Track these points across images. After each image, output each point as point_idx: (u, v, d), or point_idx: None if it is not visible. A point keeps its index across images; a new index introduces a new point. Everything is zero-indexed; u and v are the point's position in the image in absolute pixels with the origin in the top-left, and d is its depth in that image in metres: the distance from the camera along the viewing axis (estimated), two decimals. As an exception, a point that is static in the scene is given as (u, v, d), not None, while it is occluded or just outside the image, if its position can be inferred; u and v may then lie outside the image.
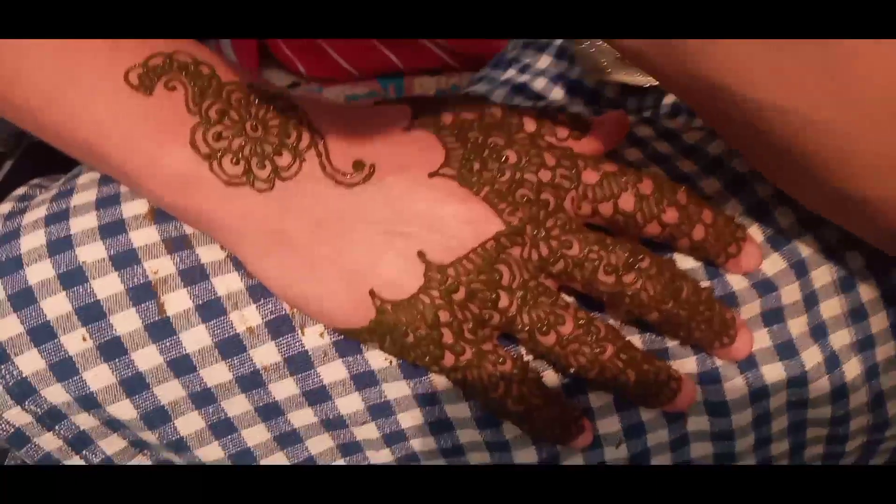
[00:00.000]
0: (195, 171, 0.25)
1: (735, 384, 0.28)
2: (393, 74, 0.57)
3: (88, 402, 0.27)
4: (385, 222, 0.25)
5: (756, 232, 0.28)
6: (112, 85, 0.25)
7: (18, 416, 0.27)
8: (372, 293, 0.25)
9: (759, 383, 0.28)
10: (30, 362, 0.26)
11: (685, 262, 0.28)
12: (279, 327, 0.26)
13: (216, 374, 0.27)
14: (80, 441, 0.28)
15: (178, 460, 0.29)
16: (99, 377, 0.26)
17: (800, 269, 0.28)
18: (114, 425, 0.28)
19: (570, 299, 0.27)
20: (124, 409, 0.27)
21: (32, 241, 0.27)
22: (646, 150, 0.31)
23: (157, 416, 0.27)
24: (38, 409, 0.27)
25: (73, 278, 0.26)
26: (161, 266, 0.26)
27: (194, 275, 0.26)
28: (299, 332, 0.27)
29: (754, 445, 0.29)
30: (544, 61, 0.43)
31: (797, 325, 0.28)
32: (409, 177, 0.25)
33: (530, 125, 0.27)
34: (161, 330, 0.26)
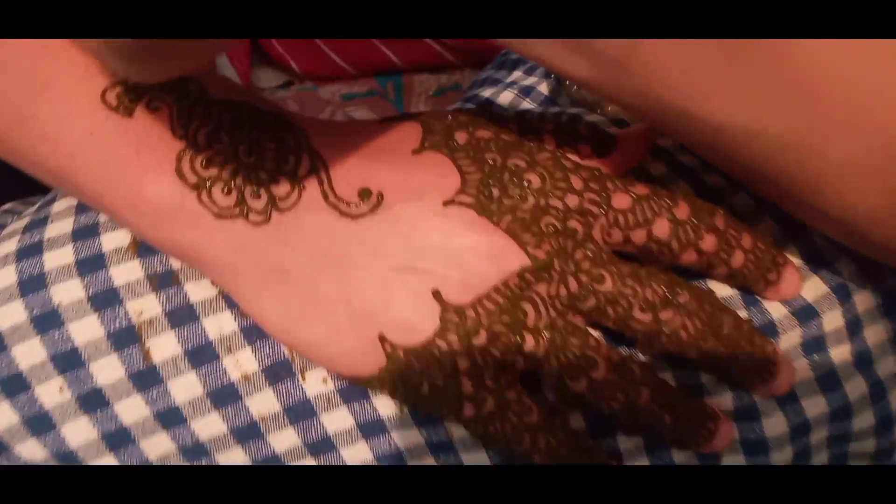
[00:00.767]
0: (181, 203, 0.22)
1: (774, 420, 0.26)
2: (391, 72, 0.55)
3: (67, 459, 0.24)
4: (395, 257, 0.22)
5: (792, 253, 0.26)
6: (88, 105, 0.22)
7: None
8: (382, 337, 0.22)
9: (800, 419, 0.26)
10: (1, 417, 0.24)
11: (719, 290, 0.26)
12: (278, 373, 0.24)
13: (209, 425, 0.24)
14: None
15: None
16: (78, 432, 0.24)
17: (842, 293, 0.26)
18: None
19: (596, 333, 0.25)
20: None
21: (2, 279, 0.24)
22: (669, 162, 0.29)
23: None
24: None
25: (47, 322, 0.24)
26: (145, 306, 0.24)
27: (182, 315, 0.24)
28: (300, 377, 0.24)
29: None
30: None
31: (840, 354, 0.26)
32: (422, 205, 0.23)
33: (549, 142, 0.25)
34: (147, 379, 0.24)
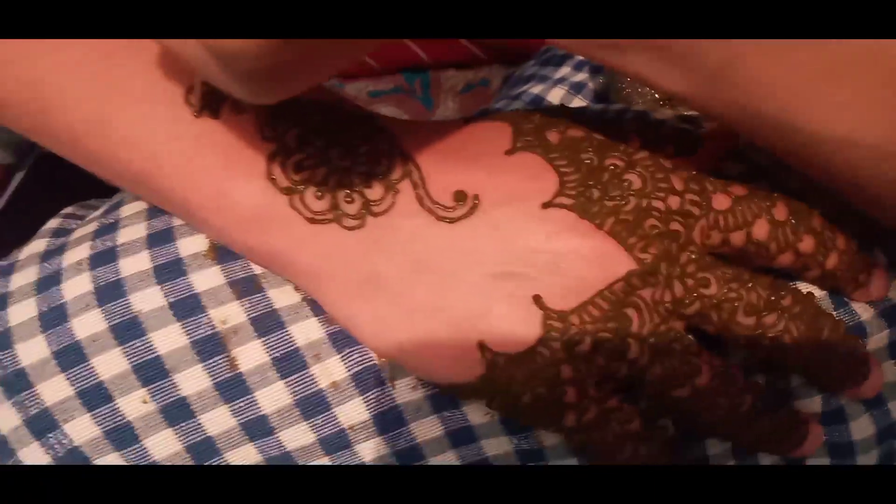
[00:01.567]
0: (272, 207, 0.21)
1: (861, 424, 0.25)
2: (418, 68, 0.54)
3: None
4: (494, 263, 0.22)
5: (878, 252, 0.26)
6: (170, 106, 0.21)
7: None
8: (481, 345, 0.21)
9: (887, 421, 0.25)
10: (82, 429, 0.23)
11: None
12: (367, 380, 0.23)
13: (297, 435, 0.23)
14: None
15: None
16: (162, 444, 0.23)
17: None
18: None
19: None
20: None
21: (77, 286, 0.23)
22: (745, 161, 0.28)
23: None
24: None
25: (128, 331, 0.23)
26: (229, 314, 0.23)
27: (268, 323, 0.23)
28: (390, 385, 0.23)
29: None
30: None
31: None
32: (520, 208, 0.22)
33: (634, 141, 0.24)
34: (233, 389, 0.23)
